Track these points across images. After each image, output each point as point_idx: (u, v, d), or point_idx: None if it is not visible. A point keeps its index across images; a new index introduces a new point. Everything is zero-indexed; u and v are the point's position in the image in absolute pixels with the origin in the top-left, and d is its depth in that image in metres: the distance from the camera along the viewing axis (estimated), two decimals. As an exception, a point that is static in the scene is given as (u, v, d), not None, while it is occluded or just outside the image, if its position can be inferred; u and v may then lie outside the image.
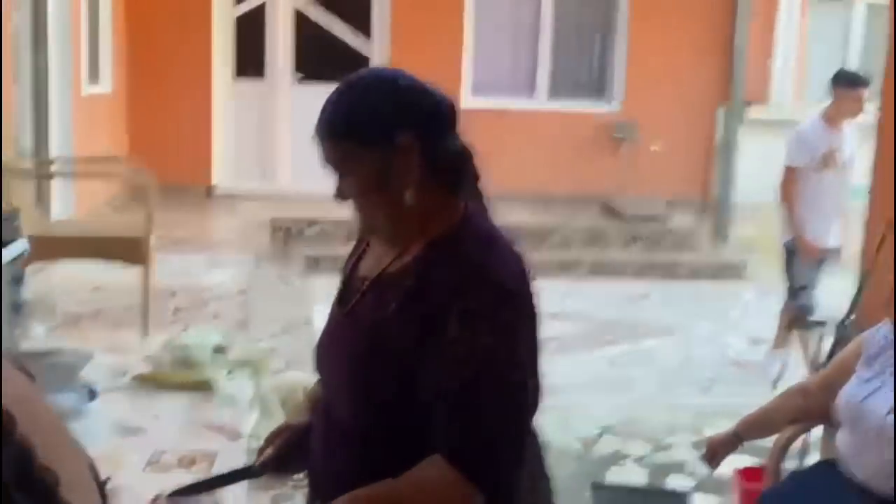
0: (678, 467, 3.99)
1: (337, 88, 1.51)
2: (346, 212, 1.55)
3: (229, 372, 2.46)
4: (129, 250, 3.95)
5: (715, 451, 2.68)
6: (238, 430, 2.09)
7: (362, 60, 8.59)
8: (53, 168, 5.39)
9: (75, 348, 2.40)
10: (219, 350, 2.51)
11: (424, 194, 1.48)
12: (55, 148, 5.93)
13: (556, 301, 6.64)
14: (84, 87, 6.63)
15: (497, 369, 1.40)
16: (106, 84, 7.52)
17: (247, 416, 2.20)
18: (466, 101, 8.83)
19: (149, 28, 8.06)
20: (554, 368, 5.29)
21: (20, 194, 4.16)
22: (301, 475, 1.65)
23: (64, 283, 5.05)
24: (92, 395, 2.20)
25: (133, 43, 8.10)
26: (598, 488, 3.80)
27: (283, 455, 1.60)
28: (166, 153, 7.27)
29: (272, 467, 1.59)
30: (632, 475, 3.93)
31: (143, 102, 8.16)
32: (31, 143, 5.75)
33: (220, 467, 1.90)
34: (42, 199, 5.89)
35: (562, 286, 7.18)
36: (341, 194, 1.53)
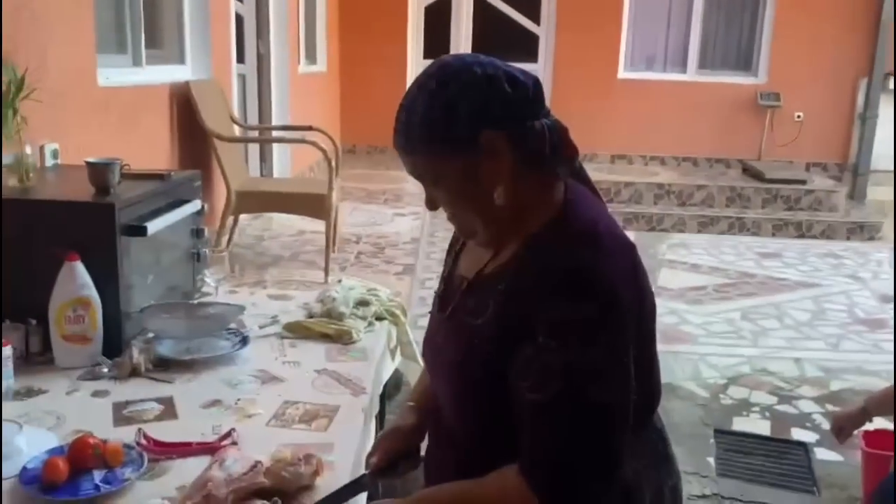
0: (802, 420, 3.43)
1: (408, 92, 1.13)
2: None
3: (369, 324, 2.21)
4: (314, 206, 3.79)
5: (842, 427, 2.19)
6: (363, 386, 1.82)
7: (532, 41, 8.14)
8: (266, 135, 5.32)
9: (230, 304, 2.20)
10: (363, 303, 2.26)
11: (519, 188, 1.12)
12: (275, 118, 5.90)
13: (697, 254, 6.07)
14: (301, 67, 6.57)
15: (581, 389, 1.04)
16: (321, 64, 7.46)
17: (373, 371, 1.93)
18: (623, 73, 8.23)
19: (356, 16, 7.99)
20: (689, 318, 4.73)
21: (233, 157, 4.09)
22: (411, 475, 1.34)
23: (276, 228, 5.02)
24: (244, 341, 2.01)
25: (343, 28, 8.03)
26: (722, 434, 3.37)
27: (391, 461, 1.29)
28: (369, 121, 7.16)
29: (381, 475, 1.27)
30: (756, 425, 3.41)
31: (351, 79, 8.13)
32: (256, 115, 5.75)
33: (337, 424, 1.64)
34: (265, 160, 5.90)
35: (703, 241, 6.59)
36: (432, 204, 1.19)
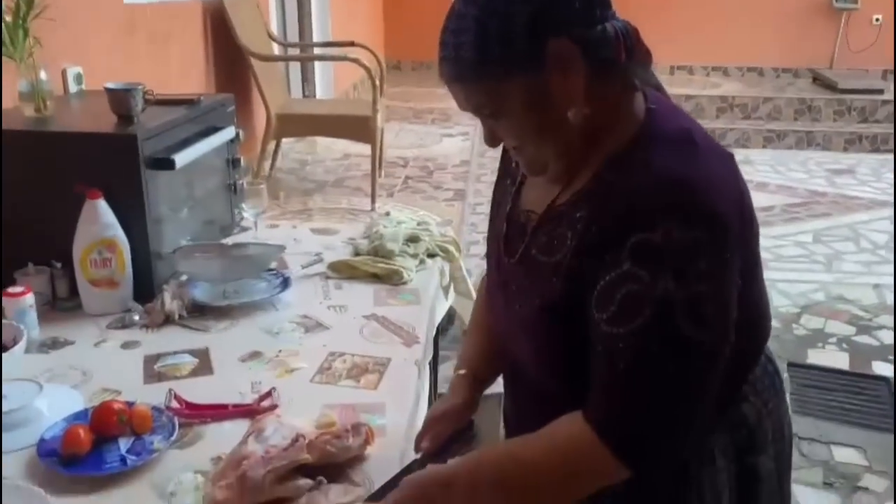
0: (884, 352, 3.18)
1: (451, 11, 0.94)
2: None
3: (420, 262, 2.01)
4: (358, 128, 3.56)
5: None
6: (415, 335, 1.64)
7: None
8: (306, 53, 5.06)
9: (266, 243, 2.02)
10: (413, 239, 2.06)
11: (595, 104, 0.94)
12: (316, 34, 5.61)
13: (762, 172, 5.70)
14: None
15: (672, 322, 0.87)
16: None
17: (426, 316, 1.74)
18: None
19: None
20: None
21: (273, 78, 3.86)
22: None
23: (321, 152, 4.83)
24: (285, 283, 1.84)
25: (385, -64, 7.61)
26: (796, 368, 3.14)
27: (442, 445, 1.12)
28: (414, 35, 6.81)
29: (433, 460, 1.08)
30: (833, 358, 3.17)
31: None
32: (296, 32, 5.47)
33: (388, 380, 1.47)
34: (308, 80, 5.66)
35: (769, 157, 6.20)
36: (492, 140, 0.99)
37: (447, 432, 1.13)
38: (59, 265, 1.73)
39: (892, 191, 5.30)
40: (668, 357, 0.88)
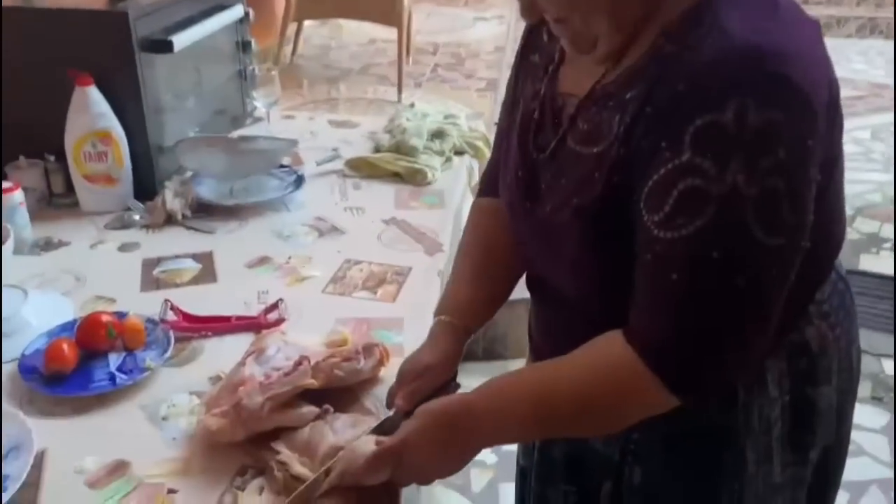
0: (943, 260, 2.98)
1: None
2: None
3: (447, 160, 1.83)
4: (384, 9, 3.30)
5: None
6: (439, 241, 1.49)
7: None
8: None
9: (276, 137, 1.86)
10: (438, 134, 1.88)
11: None
12: None
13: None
14: None
15: (741, 227, 0.71)
16: None
17: (451, 221, 1.58)
18: None
19: None
20: None
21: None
22: None
23: (345, 37, 4.56)
24: (298, 181, 1.68)
25: None
26: (848, 275, 2.95)
27: (419, 403, 0.90)
28: None
29: (406, 420, 0.89)
30: (888, 264, 2.98)
31: None
32: None
33: (408, 292, 1.32)
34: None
35: (827, 45, 5.78)
36: (531, 11, 0.81)
37: (425, 389, 0.94)
38: (52, 158, 1.59)
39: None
40: (734, 267, 0.72)
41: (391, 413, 0.95)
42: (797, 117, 0.71)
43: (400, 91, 3.36)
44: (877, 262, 3.00)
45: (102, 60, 1.52)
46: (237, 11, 1.91)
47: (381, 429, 0.90)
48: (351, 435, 0.92)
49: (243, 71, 2.03)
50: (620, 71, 0.81)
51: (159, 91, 1.63)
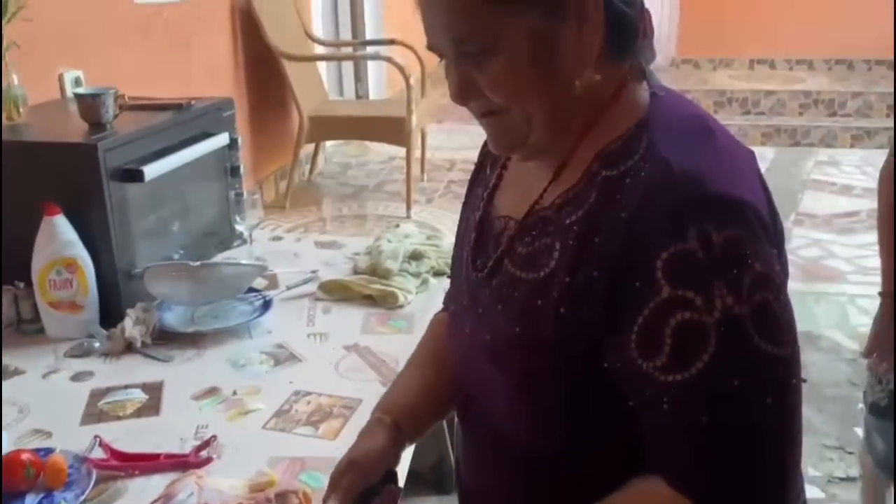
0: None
1: None
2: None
3: (423, 282, 1.81)
4: (392, 131, 3.39)
5: None
6: (395, 370, 1.45)
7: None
8: (342, 51, 4.91)
9: (250, 263, 1.86)
10: (416, 256, 1.87)
11: (600, 80, 0.76)
12: (369, 31, 5.48)
13: (848, 173, 5.25)
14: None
15: (750, 347, 0.69)
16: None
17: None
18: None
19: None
20: (836, 250, 3.96)
21: (307, 78, 3.74)
22: None
23: (368, 155, 4.68)
24: (266, 306, 1.67)
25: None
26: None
27: (358, 501, 0.87)
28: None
29: None
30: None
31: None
32: (349, 28, 5.36)
33: (352, 427, 1.27)
34: (360, 79, 5.54)
35: (856, 157, 5.72)
36: (465, 91, 0.78)
37: (354, 487, 0.87)
38: (21, 285, 1.61)
39: None
40: (757, 388, 0.70)
41: None
42: (756, 230, 0.70)
43: (409, 207, 3.40)
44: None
45: (74, 190, 1.57)
46: (222, 139, 1.96)
47: None
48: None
49: (233, 194, 2.07)
50: (558, 193, 0.79)
51: (132, 218, 1.66)
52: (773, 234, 0.74)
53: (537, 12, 0.73)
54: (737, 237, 0.69)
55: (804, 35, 7.16)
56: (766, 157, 5.65)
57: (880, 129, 6.05)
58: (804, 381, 0.76)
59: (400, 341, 1.56)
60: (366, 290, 1.74)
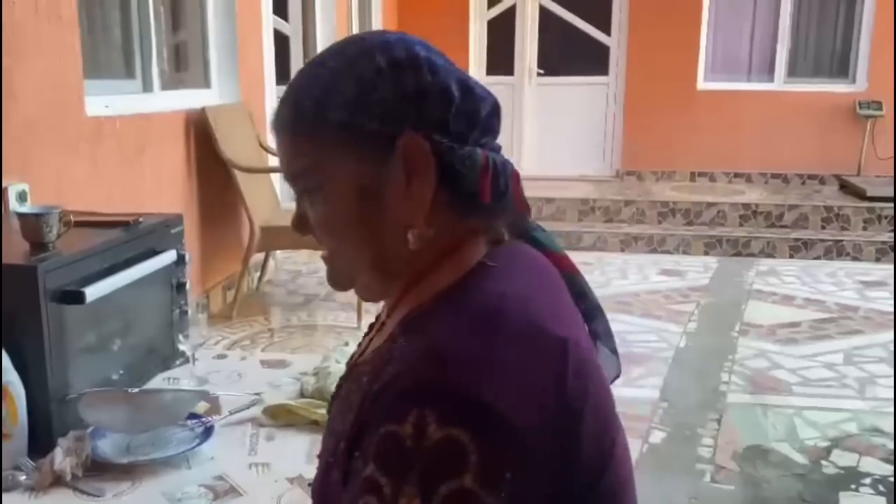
0: (929, 498, 2.82)
1: (311, 60, 0.79)
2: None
3: (371, 406, 1.77)
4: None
5: None
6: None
7: (602, 52, 7.60)
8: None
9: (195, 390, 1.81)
10: (365, 377, 1.83)
11: (433, 234, 0.76)
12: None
13: (789, 284, 5.41)
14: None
15: None
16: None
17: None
18: (704, 84, 7.62)
19: (414, 31, 7.60)
20: (781, 361, 4.04)
21: (260, 189, 3.76)
22: None
23: (317, 261, 4.67)
24: (207, 433, 1.61)
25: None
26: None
27: None
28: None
29: None
30: (868, 503, 2.81)
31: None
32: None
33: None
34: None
35: (796, 268, 5.92)
36: (301, 224, 0.82)
37: None
38: (-54, 413, 1.53)
39: (929, 306, 4.98)
40: None
41: None
42: (487, 441, 0.61)
43: (359, 318, 3.37)
44: (858, 501, 2.83)
45: (10, 313, 1.51)
46: (169, 256, 1.94)
47: None
48: None
49: (177, 312, 2.03)
50: (373, 348, 0.80)
51: (70, 339, 1.61)
52: (537, 450, 0.64)
53: (363, 160, 0.74)
54: (455, 439, 0.61)
55: (741, 150, 7.54)
56: (710, 266, 5.81)
57: (816, 240, 6.30)
58: None
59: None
60: (312, 416, 1.69)
